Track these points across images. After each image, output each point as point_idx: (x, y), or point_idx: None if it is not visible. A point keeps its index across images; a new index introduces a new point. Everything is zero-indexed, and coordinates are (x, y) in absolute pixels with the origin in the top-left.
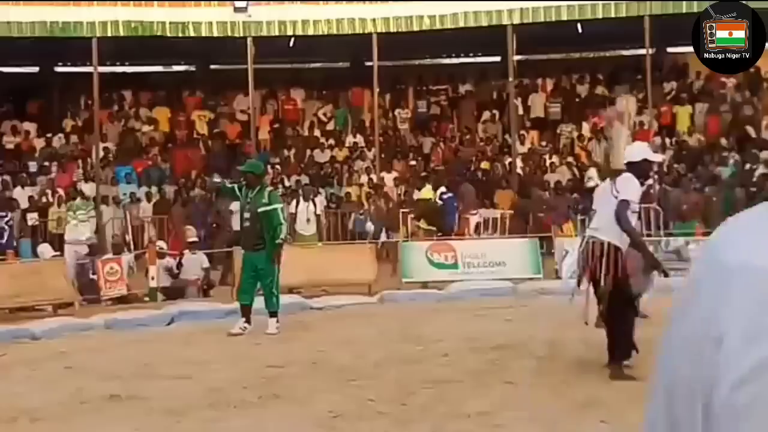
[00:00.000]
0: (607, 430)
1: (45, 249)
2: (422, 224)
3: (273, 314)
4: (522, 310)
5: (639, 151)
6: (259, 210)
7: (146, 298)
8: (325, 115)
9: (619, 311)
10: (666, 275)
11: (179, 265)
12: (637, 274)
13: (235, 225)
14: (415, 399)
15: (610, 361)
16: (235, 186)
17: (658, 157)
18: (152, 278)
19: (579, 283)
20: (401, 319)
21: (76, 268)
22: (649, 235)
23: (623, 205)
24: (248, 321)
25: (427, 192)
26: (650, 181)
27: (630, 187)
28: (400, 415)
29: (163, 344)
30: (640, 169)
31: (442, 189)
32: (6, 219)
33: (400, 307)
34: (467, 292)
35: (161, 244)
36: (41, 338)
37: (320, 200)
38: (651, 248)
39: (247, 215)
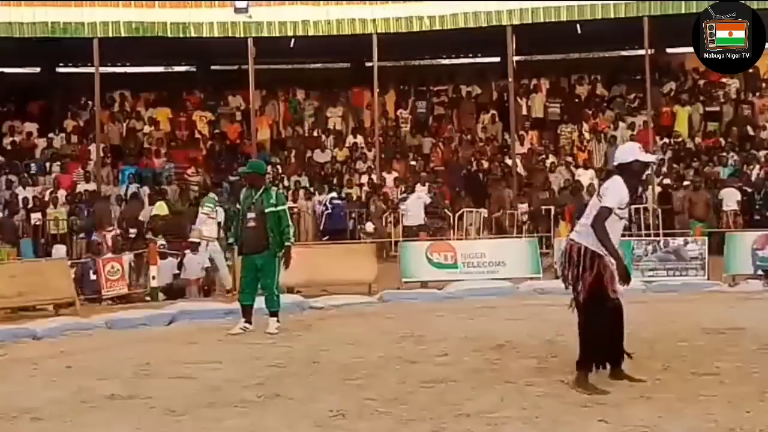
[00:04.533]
0: (607, 429)
1: (59, 249)
2: (159, 239)
3: (273, 314)
4: (522, 310)
5: (629, 151)
6: (267, 210)
7: (147, 298)
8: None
9: (592, 319)
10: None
11: (180, 265)
12: (616, 283)
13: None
14: (415, 399)
15: (577, 366)
16: (238, 204)
17: (650, 158)
18: (153, 278)
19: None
20: (401, 319)
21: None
22: (648, 235)
23: (603, 212)
24: (249, 321)
25: (160, 207)
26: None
27: (614, 192)
28: (400, 415)
29: (163, 344)
30: (631, 171)
31: (333, 195)
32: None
33: (400, 307)
34: (467, 291)
35: (163, 242)
36: (42, 338)
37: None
38: (650, 248)
39: (251, 215)
